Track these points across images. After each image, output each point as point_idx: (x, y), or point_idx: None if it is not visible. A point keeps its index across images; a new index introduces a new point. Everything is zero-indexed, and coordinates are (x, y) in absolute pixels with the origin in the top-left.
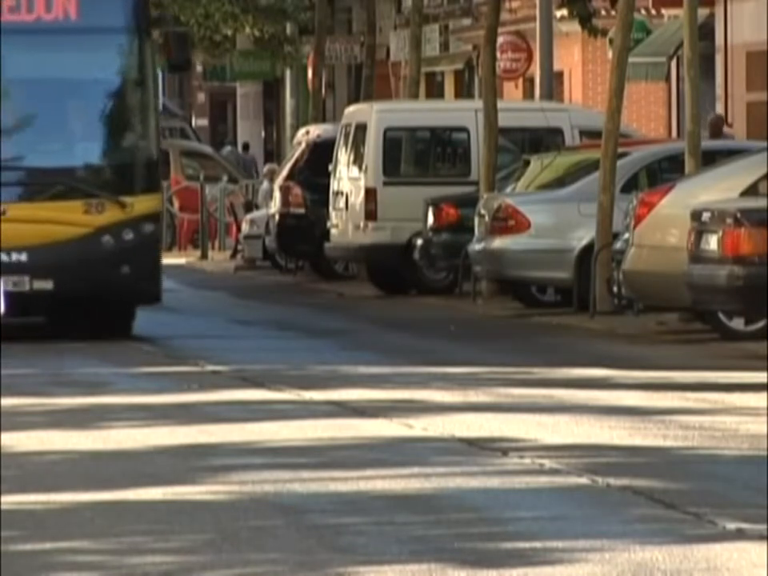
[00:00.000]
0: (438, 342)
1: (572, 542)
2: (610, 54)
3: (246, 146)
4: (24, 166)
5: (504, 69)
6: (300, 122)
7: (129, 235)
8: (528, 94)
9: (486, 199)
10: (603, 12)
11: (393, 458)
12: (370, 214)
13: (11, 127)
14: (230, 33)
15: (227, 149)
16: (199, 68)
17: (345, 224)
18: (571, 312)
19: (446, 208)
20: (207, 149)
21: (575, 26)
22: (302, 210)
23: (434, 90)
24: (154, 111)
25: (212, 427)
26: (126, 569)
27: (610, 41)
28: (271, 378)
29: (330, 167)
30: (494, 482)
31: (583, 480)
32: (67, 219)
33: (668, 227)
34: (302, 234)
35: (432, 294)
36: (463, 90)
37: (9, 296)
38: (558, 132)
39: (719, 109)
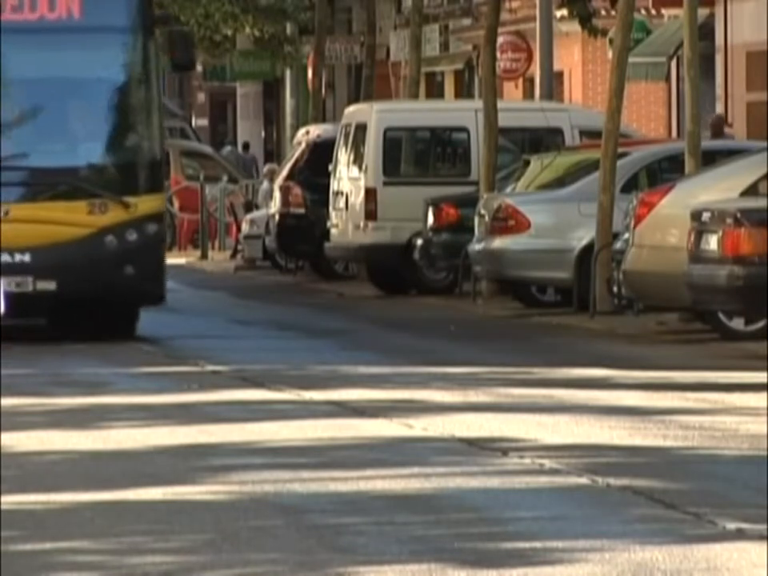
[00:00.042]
0: (438, 342)
1: (572, 542)
2: (610, 54)
3: (246, 146)
4: (27, 166)
5: (504, 69)
6: (300, 122)
7: (132, 235)
8: (528, 93)
9: (486, 199)
10: (603, 12)
11: (393, 458)
12: (370, 214)
13: (14, 127)
14: (230, 33)
15: (227, 149)
16: (199, 68)
17: (345, 224)
18: (571, 312)
19: (446, 208)
20: (207, 149)
21: (575, 26)
22: (302, 210)
23: (434, 90)
24: (158, 111)
25: (212, 427)
26: (126, 569)
27: (610, 41)
28: (271, 378)
29: (330, 167)
30: (494, 482)
31: (583, 480)
32: (70, 220)
33: (668, 227)
34: (301, 234)
35: (432, 294)
36: (463, 90)
37: (12, 297)
38: (557, 132)
39: (719, 109)
